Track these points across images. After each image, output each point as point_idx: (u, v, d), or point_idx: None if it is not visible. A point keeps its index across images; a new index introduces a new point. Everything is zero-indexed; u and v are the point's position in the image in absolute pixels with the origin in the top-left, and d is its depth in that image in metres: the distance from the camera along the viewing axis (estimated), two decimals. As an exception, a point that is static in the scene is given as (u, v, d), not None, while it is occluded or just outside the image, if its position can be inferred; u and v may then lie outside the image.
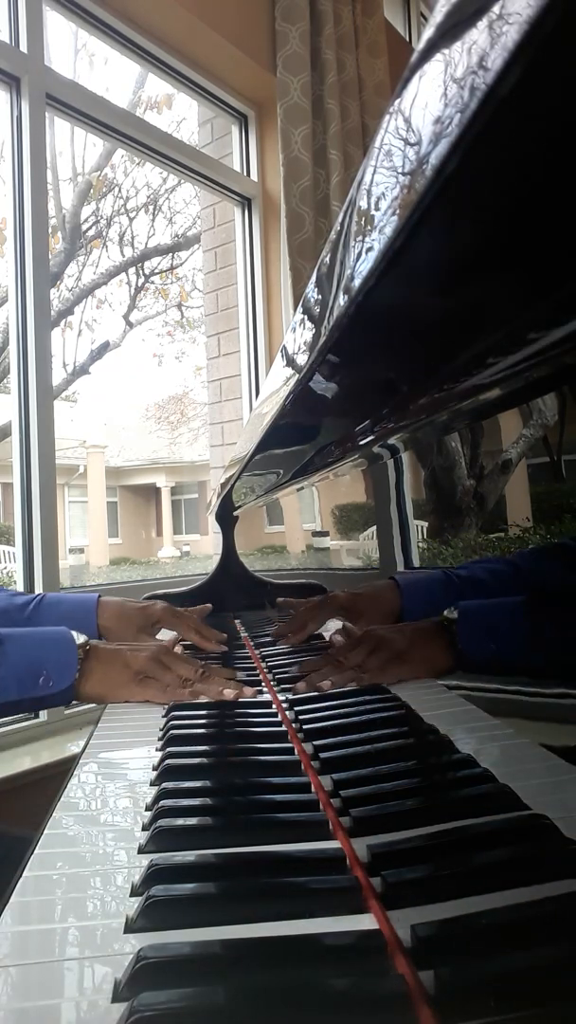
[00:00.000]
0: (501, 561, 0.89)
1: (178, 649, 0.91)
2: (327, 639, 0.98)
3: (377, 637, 0.76)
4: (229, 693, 0.68)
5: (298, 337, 0.37)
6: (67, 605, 0.92)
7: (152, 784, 0.48)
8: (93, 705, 0.72)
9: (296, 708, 0.63)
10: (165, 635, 0.95)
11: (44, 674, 0.66)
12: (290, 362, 0.41)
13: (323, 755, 0.50)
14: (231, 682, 0.71)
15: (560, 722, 0.56)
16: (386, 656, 0.73)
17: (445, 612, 0.72)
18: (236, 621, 1.23)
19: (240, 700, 0.68)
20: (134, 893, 0.34)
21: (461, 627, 0.69)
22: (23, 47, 1.54)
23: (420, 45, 0.17)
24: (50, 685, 0.66)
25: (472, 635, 0.69)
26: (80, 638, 0.70)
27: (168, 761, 0.50)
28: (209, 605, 1.09)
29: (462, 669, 0.70)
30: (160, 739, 0.58)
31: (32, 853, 0.39)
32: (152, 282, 9.65)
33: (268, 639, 1.03)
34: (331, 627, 1.04)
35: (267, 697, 0.69)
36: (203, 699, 0.68)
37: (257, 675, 0.80)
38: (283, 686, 0.73)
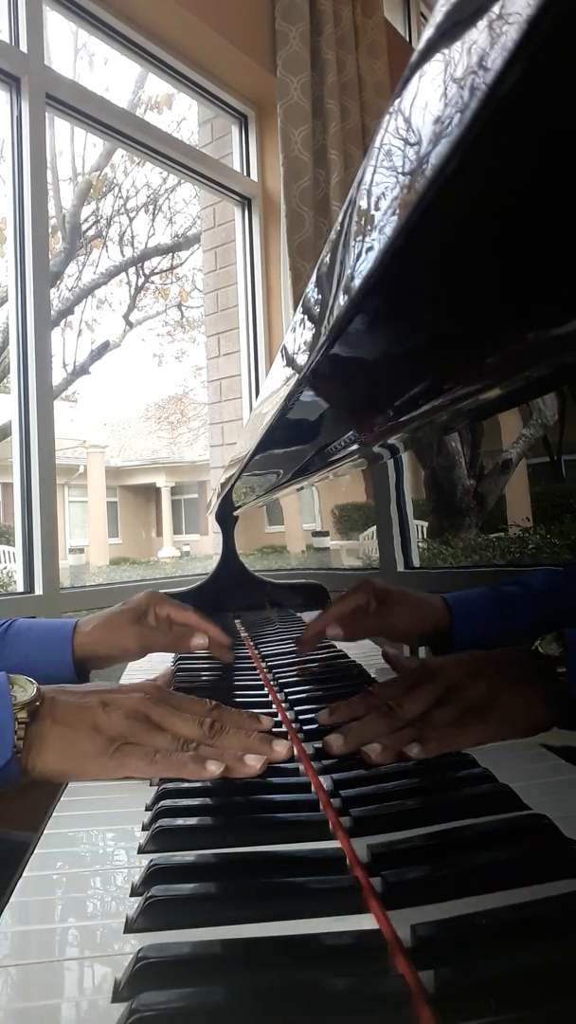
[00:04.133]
0: (548, 572, 0.78)
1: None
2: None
3: (447, 677, 0.53)
4: (253, 761, 0.47)
5: (298, 337, 0.38)
6: (38, 631, 0.75)
7: (152, 784, 0.48)
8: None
9: (296, 708, 0.63)
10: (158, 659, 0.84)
11: None
12: (290, 362, 0.41)
13: (323, 755, 0.50)
14: (252, 738, 0.49)
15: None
16: (461, 708, 0.51)
17: (540, 643, 0.53)
18: (236, 621, 1.23)
19: (240, 699, 0.67)
20: (134, 893, 0.34)
21: (575, 666, 0.50)
22: (23, 47, 1.54)
23: (420, 45, 0.17)
24: None
25: None
26: (27, 690, 0.49)
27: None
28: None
29: (570, 727, 0.51)
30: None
31: (32, 853, 0.39)
32: (152, 282, 9.66)
33: (269, 639, 1.03)
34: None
35: (267, 697, 0.69)
36: (212, 766, 0.46)
37: (257, 675, 0.80)
38: (286, 691, 0.72)
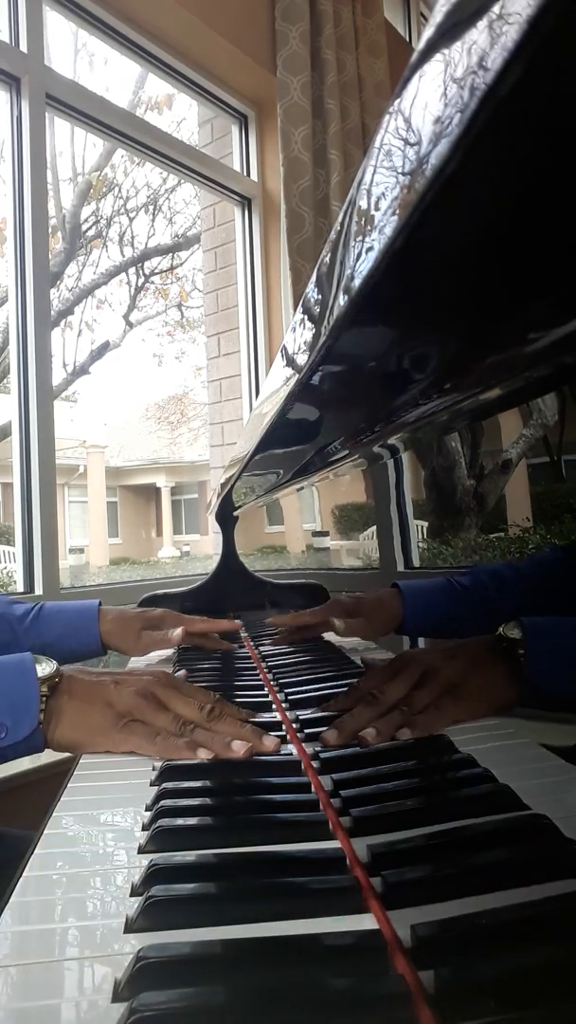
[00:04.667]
0: (501, 566, 0.88)
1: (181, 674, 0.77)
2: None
3: (420, 664, 0.59)
4: (239, 747, 0.50)
5: (298, 337, 0.37)
6: (68, 614, 0.84)
7: (152, 784, 0.48)
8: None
9: (296, 708, 0.63)
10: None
11: None
12: (290, 362, 0.41)
13: (323, 755, 0.50)
14: (246, 728, 0.53)
15: (560, 722, 0.56)
16: (437, 689, 0.56)
17: (503, 628, 0.58)
18: (236, 621, 1.23)
19: (240, 699, 0.68)
20: (134, 893, 0.34)
21: (532, 649, 0.55)
22: (23, 47, 1.54)
23: (420, 45, 0.17)
24: (2, 736, 0.50)
25: (546, 660, 0.55)
26: (46, 668, 0.54)
27: (168, 761, 0.50)
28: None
29: (530, 704, 0.56)
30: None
31: (32, 853, 0.39)
32: (152, 282, 9.66)
33: (269, 639, 1.03)
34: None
35: (267, 698, 0.69)
36: (202, 752, 0.51)
37: (257, 675, 0.80)
38: (286, 691, 0.72)
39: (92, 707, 0.54)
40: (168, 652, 0.95)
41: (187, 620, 0.88)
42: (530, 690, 0.55)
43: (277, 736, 0.54)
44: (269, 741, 0.52)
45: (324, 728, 0.55)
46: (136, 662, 0.91)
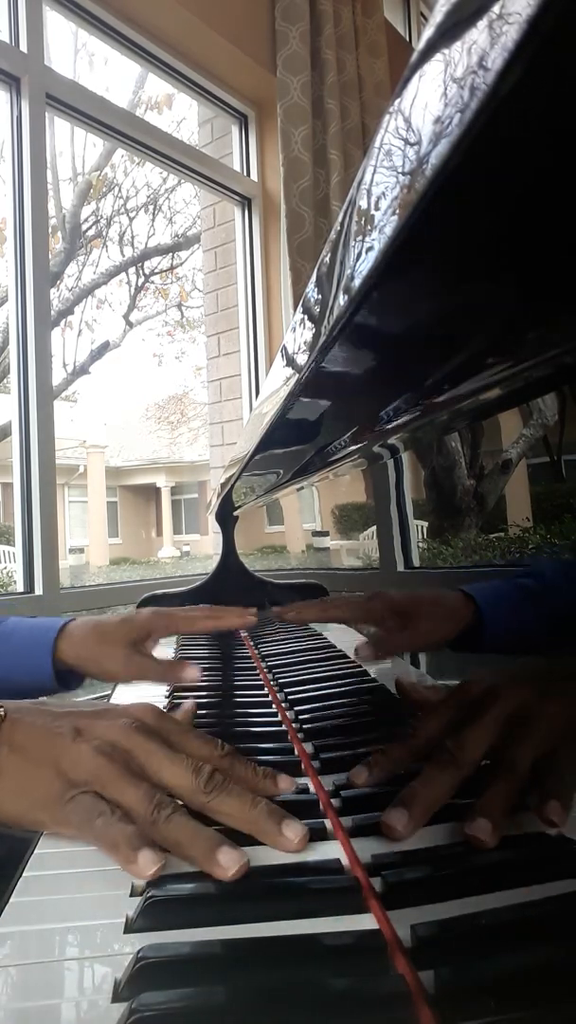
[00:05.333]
0: (555, 563, 0.72)
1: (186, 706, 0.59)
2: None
3: (548, 714, 0.39)
4: (227, 862, 0.33)
5: (298, 337, 0.37)
6: (22, 634, 0.66)
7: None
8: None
9: (296, 708, 0.63)
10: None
11: None
12: (290, 362, 0.41)
13: (323, 755, 0.50)
14: (261, 812, 0.36)
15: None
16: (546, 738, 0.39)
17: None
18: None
19: (240, 699, 0.67)
20: (134, 894, 0.34)
21: None
22: (23, 47, 1.55)
23: (420, 45, 0.17)
24: None
25: None
26: None
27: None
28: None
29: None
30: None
31: (32, 853, 0.39)
32: (152, 282, 9.66)
33: (269, 639, 1.03)
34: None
35: (267, 697, 0.69)
36: (150, 858, 0.34)
37: (257, 675, 0.80)
38: (286, 691, 0.72)
39: (38, 769, 0.38)
40: (166, 651, 0.95)
41: (183, 619, 0.68)
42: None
43: (275, 729, 0.52)
44: (292, 832, 0.36)
45: (324, 728, 0.55)
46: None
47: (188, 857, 0.34)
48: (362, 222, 0.23)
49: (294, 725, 0.59)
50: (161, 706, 0.47)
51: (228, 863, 0.33)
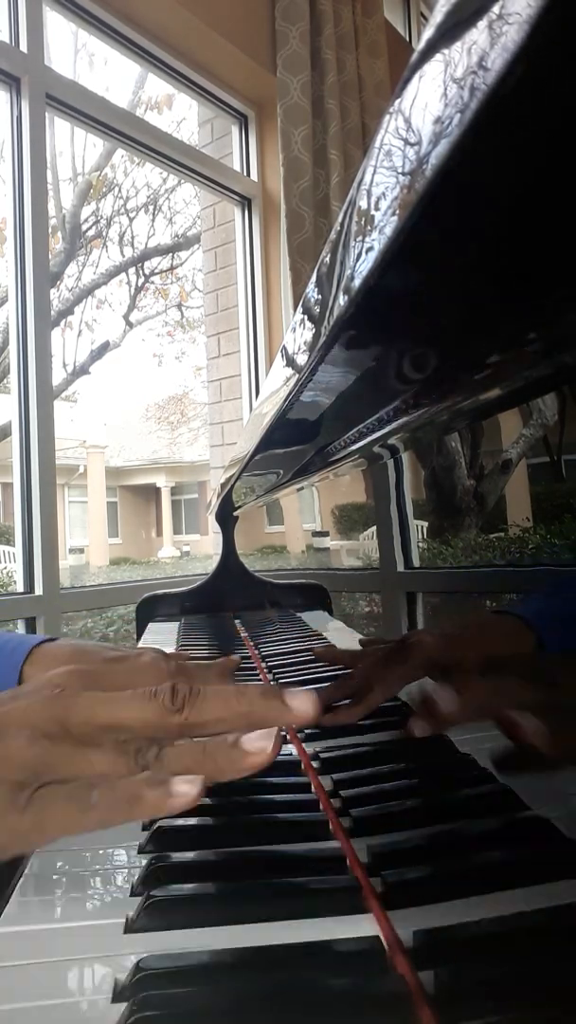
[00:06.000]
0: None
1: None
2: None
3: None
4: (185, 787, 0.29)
5: (298, 337, 0.37)
6: None
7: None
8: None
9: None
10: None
11: None
12: (290, 362, 0.41)
13: (323, 755, 0.50)
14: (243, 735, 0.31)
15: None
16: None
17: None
18: (236, 621, 1.23)
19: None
20: (134, 893, 0.34)
21: None
22: (23, 47, 1.55)
23: (420, 45, 0.17)
24: None
25: None
26: None
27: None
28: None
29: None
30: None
31: (32, 853, 0.39)
32: (152, 282, 9.66)
33: (269, 639, 1.03)
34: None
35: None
36: (184, 787, 0.29)
37: (257, 675, 0.80)
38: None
39: None
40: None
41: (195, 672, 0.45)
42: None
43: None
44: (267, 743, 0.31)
45: (324, 728, 0.55)
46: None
47: (211, 772, 0.30)
48: (362, 222, 0.23)
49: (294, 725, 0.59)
50: None
51: (259, 746, 0.30)
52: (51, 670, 0.37)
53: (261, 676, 0.79)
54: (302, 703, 0.32)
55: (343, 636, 1.03)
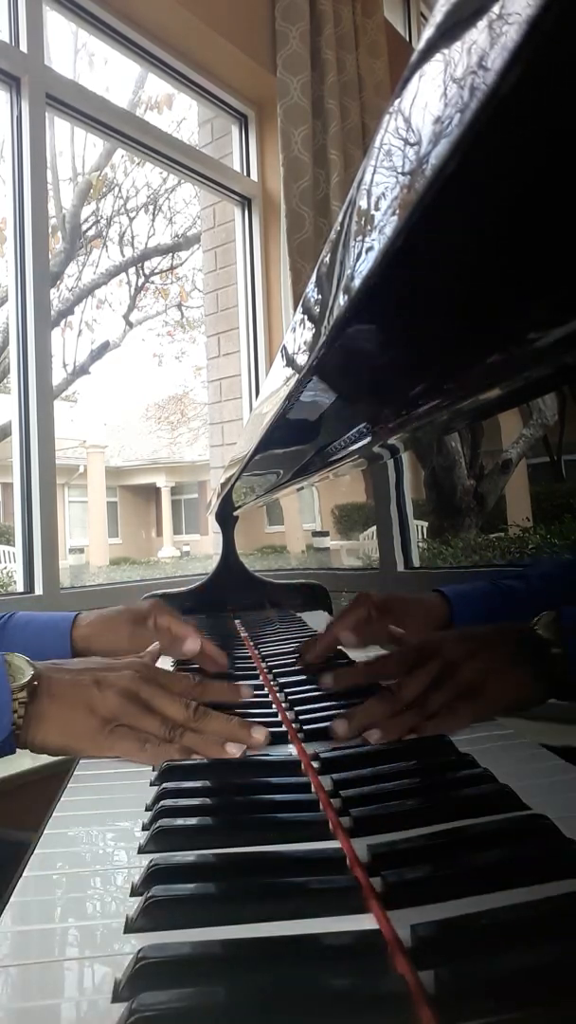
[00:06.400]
0: (549, 562, 0.78)
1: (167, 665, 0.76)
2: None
3: (441, 658, 0.55)
4: (233, 750, 0.50)
5: (298, 337, 0.38)
6: (37, 624, 0.77)
7: (152, 784, 0.48)
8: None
9: (296, 708, 0.63)
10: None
11: None
12: (290, 362, 0.41)
13: (323, 755, 0.50)
14: (233, 723, 0.53)
15: (560, 722, 0.56)
16: (456, 690, 0.54)
17: (536, 621, 0.55)
18: (236, 621, 1.23)
19: (240, 699, 0.67)
20: (134, 893, 0.34)
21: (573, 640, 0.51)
22: (23, 47, 1.55)
23: (420, 45, 0.17)
24: None
25: None
26: (25, 671, 0.52)
27: (168, 761, 0.50)
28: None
29: (565, 698, 0.53)
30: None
31: (32, 853, 0.39)
32: (152, 282, 9.66)
33: (269, 639, 1.03)
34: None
35: (267, 697, 0.69)
36: (196, 756, 0.51)
37: (257, 675, 0.80)
38: (286, 691, 0.72)
39: (75, 712, 0.52)
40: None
41: (175, 622, 0.78)
42: (566, 689, 0.52)
43: (275, 729, 0.54)
44: (259, 734, 0.52)
45: (324, 728, 0.55)
46: None
47: (230, 735, 0.51)
48: (362, 222, 0.23)
49: (294, 725, 0.59)
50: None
51: (261, 734, 0.52)
52: (95, 634, 0.74)
53: (261, 676, 0.79)
54: (260, 735, 0.52)
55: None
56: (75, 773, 0.51)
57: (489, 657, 0.55)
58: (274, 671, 0.80)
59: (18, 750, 0.52)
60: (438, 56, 0.16)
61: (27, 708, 0.51)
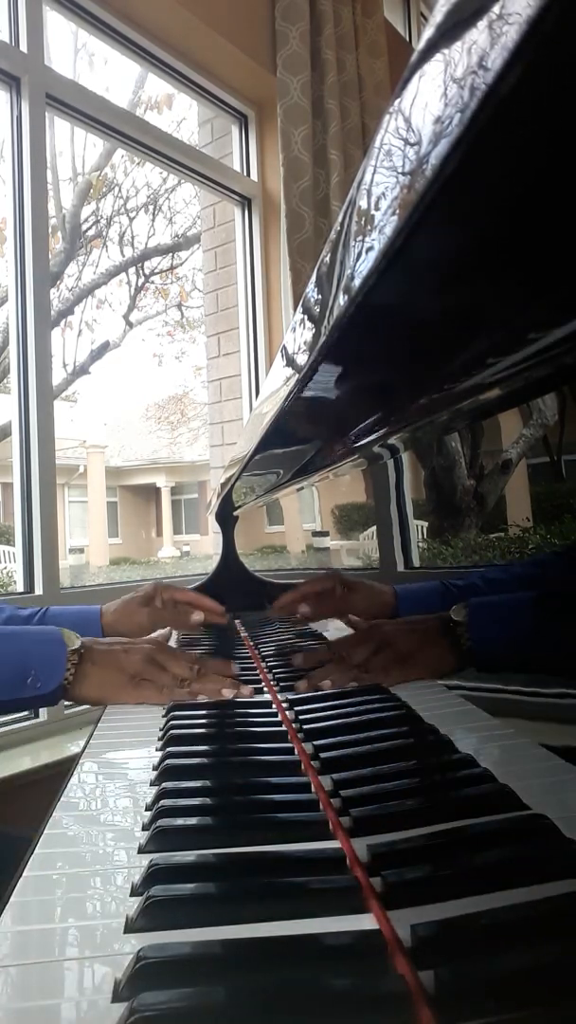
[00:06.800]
0: (497, 569, 0.91)
1: (173, 642, 0.99)
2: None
3: (383, 634, 0.76)
4: (227, 693, 0.69)
5: (298, 337, 0.38)
6: (71, 616, 0.94)
7: (152, 784, 0.48)
8: (89, 707, 0.74)
9: (296, 708, 0.63)
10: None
11: (32, 674, 0.66)
12: (290, 362, 0.41)
13: (323, 755, 0.50)
14: (229, 680, 0.71)
15: (560, 722, 0.56)
16: (391, 656, 0.73)
17: (452, 611, 0.71)
18: (236, 621, 1.23)
19: (240, 700, 0.68)
20: (134, 893, 0.34)
21: (473, 623, 0.69)
22: (23, 47, 1.54)
23: (420, 45, 0.17)
24: (38, 686, 0.66)
25: (483, 632, 0.69)
26: (75, 641, 0.70)
27: (168, 761, 0.50)
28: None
29: (473, 667, 0.70)
30: (160, 739, 0.58)
31: (32, 853, 0.39)
32: (152, 282, 9.65)
33: (269, 639, 1.03)
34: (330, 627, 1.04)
35: (267, 697, 0.69)
36: (202, 698, 0.69)
37: (257, 674, 0.80)
38: (283, 686, 0.73)
39: (109, 670, 0.71)
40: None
41: (176, 589, 0.97)
42: (471, 657, 0.69)
43: (275, 729, 0.56)
44: (245, 689, 0.70)
45: (324, 728, 0.55)
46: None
47: (223, 687, 0.70)
48: (362, 222, 0.23)
49: (294, 725, 0.59)
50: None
51: (246, 689, 0.70)
52: (118, 620, 0.93)
53: (261, 676, 0.79)
54: (246, 690, 0.70)
55: (343, 635, 1.03)
56: (75, 773, 0.51)
57: (416, 633, 0.75)
58: (274, 671, 0.80)
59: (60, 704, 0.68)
60: (438, 56, 0.16)
61: (77, 668, 0.68)
